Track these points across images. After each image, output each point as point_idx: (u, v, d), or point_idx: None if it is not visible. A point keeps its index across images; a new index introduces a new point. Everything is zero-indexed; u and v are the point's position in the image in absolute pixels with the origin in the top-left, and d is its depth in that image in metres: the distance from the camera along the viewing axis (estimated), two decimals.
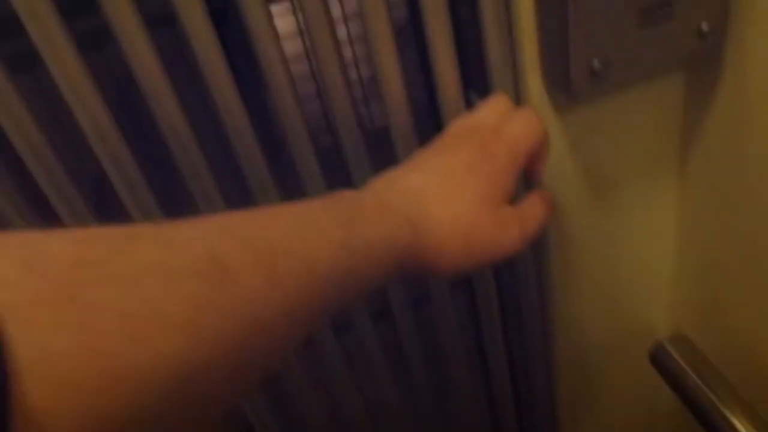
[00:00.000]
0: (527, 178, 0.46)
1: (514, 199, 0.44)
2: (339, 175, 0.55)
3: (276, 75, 0.50)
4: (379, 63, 0.50)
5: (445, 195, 0.40)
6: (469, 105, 0.56)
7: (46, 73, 0.45)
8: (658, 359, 0.65)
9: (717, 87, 0.53)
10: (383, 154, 0.56)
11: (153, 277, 0.26)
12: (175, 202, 0.55)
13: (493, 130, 0.44)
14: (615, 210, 0.62)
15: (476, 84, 0.55)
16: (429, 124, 0.58)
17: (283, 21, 0.57)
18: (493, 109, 0.47)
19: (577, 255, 0.64)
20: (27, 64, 0.46)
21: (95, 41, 0.49)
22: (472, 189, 0.41)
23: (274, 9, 0.54)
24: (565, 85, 0.49)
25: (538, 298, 0.67)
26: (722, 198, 0.58)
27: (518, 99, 0.54)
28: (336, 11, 0.56)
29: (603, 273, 0.67)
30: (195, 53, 0.46)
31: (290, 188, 0.55)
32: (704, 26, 0.48)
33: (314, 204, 0.36)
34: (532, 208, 0.45)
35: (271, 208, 0.34)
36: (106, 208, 0.52)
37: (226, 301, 0.27)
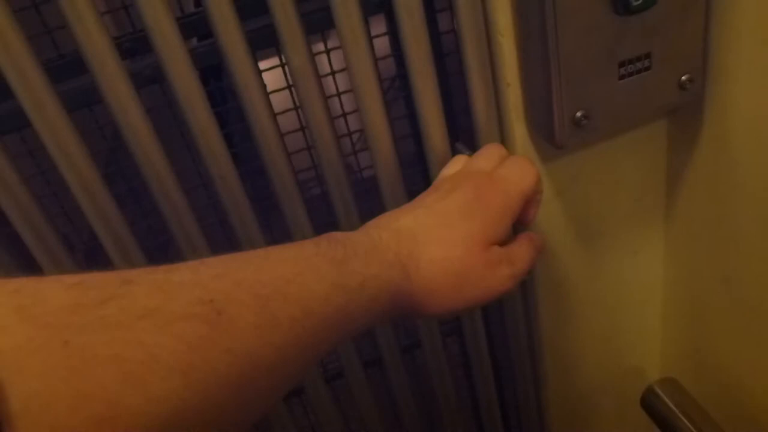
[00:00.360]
0: (519, 222, 0.46)
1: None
2: (327, 224, 0.55)
3: (264, 128, 0.50)
4: (366, 118, 0.51)
5: (437, 237, 0.41)
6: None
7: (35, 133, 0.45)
8: (648, 402, 0.65)
9: (699, 134, 0.54)
10: (371, 202, 0.56)
11: (147, 320, 0.26)
12: (162, 252, 0.55)
13: (488, 176, 0.45)
14: (603, 254, 0.63)
15: (463, 135, 0.56)
16: (417, 173, 0.59)
17: (273, 74, 0.57)
18: (488, 155, 0.48)
19: (566, 299, 0.64)
20: (16, 126, 0.47)
21: (85, 100, 0.50)
22: (464, 231, 0.41)
23: (263, 63, 0.55)
24: (549, 136, 0.50)
25: (527, 343, 0.67)
26: (707, 242, 0.59)
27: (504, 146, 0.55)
28: (324, 66, 0.57)
29: (592, 317, 0.67)
30: (183, 111, 0.47)
31: (278, 237, 0.55)
32: (684, 78, 0.49)
33: (307, 244, 0.37)
34: (521, 248, 0.45)
35: (264, 250, 0.35)
36: (94, 262, 0.52)
37: (222, 341, 0.28)
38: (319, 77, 0.50)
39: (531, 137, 0.53)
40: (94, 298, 0.25)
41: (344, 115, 0.65)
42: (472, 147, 0.55)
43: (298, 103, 0.52)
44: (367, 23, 0.56)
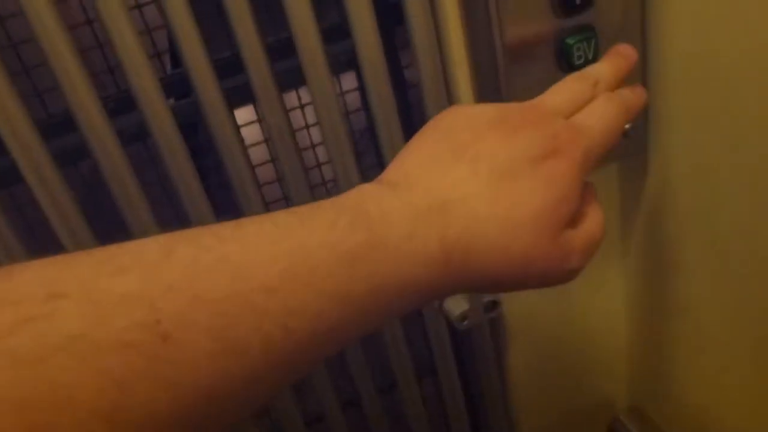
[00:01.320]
0: None
1: None
2: None
3: (242, 179, 0.54)
4: (338, 168, 0.55)
5: (501, 214, 0.31)
6: None
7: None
8: None
9: (646, 177, 0.59)
10: None
11: (66, 352, 0.21)
12: None
13: (569, 124, 0.35)
14: (567, 291, 0.67)
15: None
16: None
17: (251, 128, 0.61)
18: (570, 91, 0.38)
19: (534, 336, 0.68)
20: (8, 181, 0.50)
21: (73, 156, 0.53)
22: (536, 207, 0.31)
23: (242, 115, 0.59)
24: None
25: (499, 379, 0.70)
26: (662, 275, 0.63)
27: None
28: (299, 120, 0.61)
29: (561, 351, 0.70)
30: (168, 167, 0.50)
31: None
32: (627, 126, 0.53)
33: (320, 219, 0.28)
34: (593, 223, 0.35)
35: (256, 233, 0.27)
36: None
37: (163, 374, 0.23)
38: (293, 131, 0.54)
39: None
40: (5, 322, 0.21)
41: (319, 165, 0.69)
42: None
43: (274, 156, 0.56)
44: (338, 79, 0.61)
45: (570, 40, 0.47)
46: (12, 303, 0.22)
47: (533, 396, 0.71)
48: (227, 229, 0.27)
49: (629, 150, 0.56)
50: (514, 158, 0.31)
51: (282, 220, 0.28)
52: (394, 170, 0.32)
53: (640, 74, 0.52)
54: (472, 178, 0.31)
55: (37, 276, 0.23)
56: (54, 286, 0.22)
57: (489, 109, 0.34)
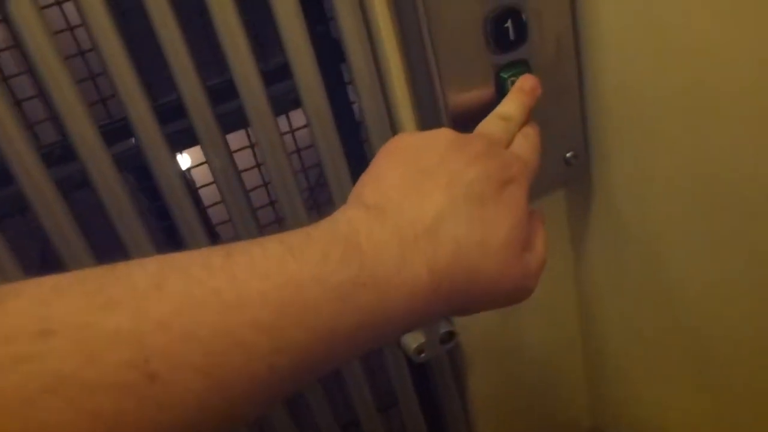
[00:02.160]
0: None
1: None
2: None
3: (190, 224, 0.53)
4: (286, 208, 0.55)
5: (479, 239, 0.32)
6: None
7: None
8: None
9: (591, 202, 0.60)
10: None
11: (56, 393, 0.21)
12: None
13: (511, 153, 0.38)
14: (523, 316, 0.67)
15: None
16: None
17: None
18: (494, 125, 0.40)
19: (493, 362, 0.68)
20: None
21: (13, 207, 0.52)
22: (506, 232, 0.33)
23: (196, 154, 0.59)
24: None
25: (461, 410, 0.70)
26: (615, 297, 0.64)
27: None
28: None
29: (521, 376, 0.71)
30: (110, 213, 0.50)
31: None
32: (569, 155, 0.55)
33: (311, 256, 0.28)
34: (542, 246, 0.38)
35: (247, 271, 0.26)
36: None
37: (150, 413, 0.23)
38: (238, 173, 0.54)
39: None
40: None
41: (272, 203, 0.69)
42: None
43: (222, 198, 0.56)
44: (287, 117, 0.61)
45: (504, 74, 0.49)
46: (5, 339, 0.22)
47: (496, 423, 0.71)
48: (217, 258, 0.26)
49: (573, 176, 0.57)
50: (483, 184, 0.33)
51: (273, 251, 0.27)
52: (373, 193, 0.33)
53: (578, 103, 0.54)
54: (450, 204, 0.32)
55: (30, 307, 0.23)
56: (45, 322, 0.22)
57: (444, 134, 0.36)
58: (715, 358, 0.54)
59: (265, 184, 0.67)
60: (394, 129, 0.55)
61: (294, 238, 0.29)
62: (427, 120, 0.52)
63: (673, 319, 0.56)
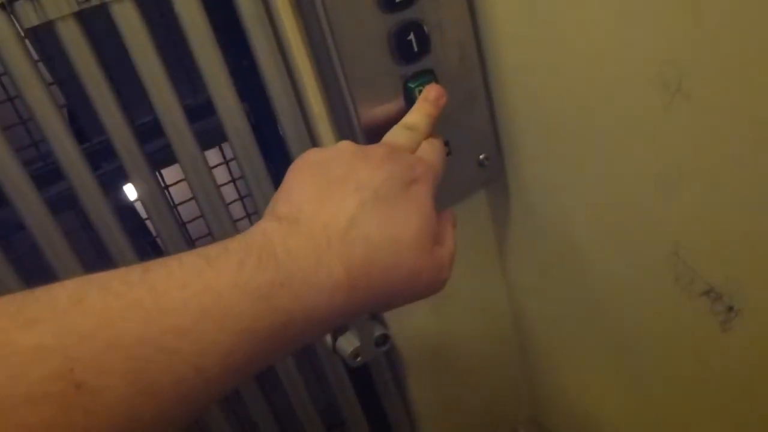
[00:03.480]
0: None
1: None
2: None
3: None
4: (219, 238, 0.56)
5: (391, 236, 0.34)
6: None
7: None
8: None
9: (509, 201, 0.63)
10: None
11: None
12: None
13: (416, 157, 0.41)
14: (455, 314, 0.70)
15: None
16: None
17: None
18: (400, 135, 0.44)
19: (429, 361, 0.70)
20: None
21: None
22: (416, 227, 0.36)
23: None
24: None
25: (404, 412, 0.72)
26: (539, 291, 0.67)
27: None
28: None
29: (457, 374, 0.73)
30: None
31: None
32: (482, 157, 0.58)
33: (227, 262, 0.29)
34: (451, 242, 0.41)
35: (165, 278, 0.27)
36: None
37: (78, 421, 0.23)
38: (169, 207, 0.56)
39: None
40: None
41: (211, 234, 0.70)
42: None
43: (156, 231, 0.57)
44: (220, 148, 0.63)
45: (411, 84, 0.51)
46: None
47: (438, 421, 0.73)
48: (135, 273, 0.27)
49: (488, 177, 0.60)
50: (389, 185, 0.36)
51: (189, 262, 0.29)
52: (285, 206, 0.35)
53: (487, 107, 0.57)
54: (361, 207, 0.34)
55: None
56: None
57: (347, 146, 0.39)
58: (628, 345, 0.57)
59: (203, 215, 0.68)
60: (314, 143, 0.57)
61: (211, 250, 0.30)
62: (344, 132, 0.54)
63: (588, 308, 0.59)
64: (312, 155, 0.39)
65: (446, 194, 0.58)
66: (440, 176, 0.42)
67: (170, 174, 0.64)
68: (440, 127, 0.54)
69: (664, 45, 0.39)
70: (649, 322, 0.53)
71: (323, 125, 0.56)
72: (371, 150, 0.38)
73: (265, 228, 0.33)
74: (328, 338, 0.65)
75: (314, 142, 0.57)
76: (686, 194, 0.43)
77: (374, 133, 0.52)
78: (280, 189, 0.37)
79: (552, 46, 0.48)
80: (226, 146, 0.71)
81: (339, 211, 0.34)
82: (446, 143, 0.55)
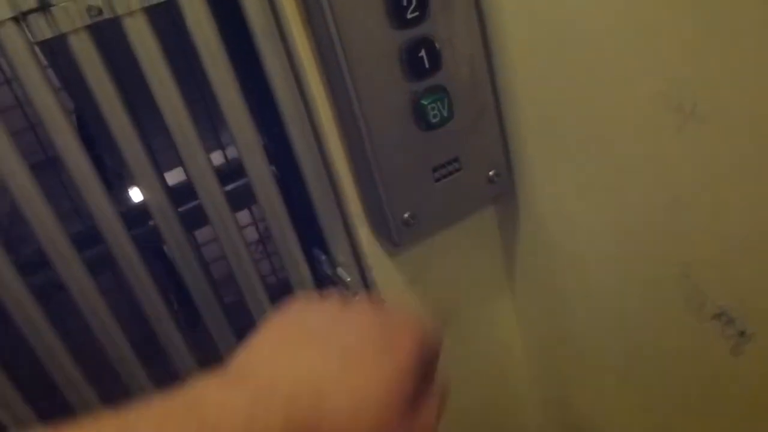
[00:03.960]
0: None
1: None
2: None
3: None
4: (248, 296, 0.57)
5: (347, 385, 0.32)
6: (315, 261, 0.62)
7: None
8: None
9: (518, 216, 0.63)
10: None
11: None
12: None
13: (399, 316, 0.38)
14: (463, 331, 0.69)
15: (319, 242, 0.62)
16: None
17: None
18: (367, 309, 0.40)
19: None
20: None
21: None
22: (382, 376, 0.33)
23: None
24: (388, 236, 0.56)
25: None
26: (545, 306, 0.67)
27: (353, 249, 0.61)
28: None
29: (467, 392, 0.73)
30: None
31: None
32: (491, 173, 0.57)
33: (151, 419, 0.29)
34: (430, 412, 0.37)
35: None
36: None
37: None
38: (205, 264, 0.57)
39: (376, 238, 0.60)
40: None
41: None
42: (327, 252, 0.61)
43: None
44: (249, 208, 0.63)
45: (425, 101, 0.51)
46: None
47: None
48: None
49: (498, 193, 0.59)
50: (362, 340, 0.34)
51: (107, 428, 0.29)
52: (239, 361, 0.34)
53: (497, 123, 0.56)
54: (320, 359, 0.33)
55: None
56: None
57: (334, 302, 0.37)
58: (638, 365, 0.57)
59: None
60: (325, 160, 0.57)
61: (131, 413, 0.30)
62: (355, 150, 0.54)
63: (597, 327, 0.59)
64: (293, 307, 0.37)
65: (455, 210, 0.58)
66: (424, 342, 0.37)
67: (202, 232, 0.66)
68: (451, 145, 0.55)
69: (679, 68, 0.39)
70: (659, 343, 0.52)
71: (333, 138, 0.55)
72: (358, 306, 0.37)
73: (204, 383, 0.32)
74: None
75: (324, 157, 0.57)
76: (697, 217, 0.43)
77: (384, 150, 0.52)
78: (244, 344, 0.36)
79: (564, 63, 0.48)
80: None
81: (293, 362, 0.33)
82: (456, 159, 0.55)
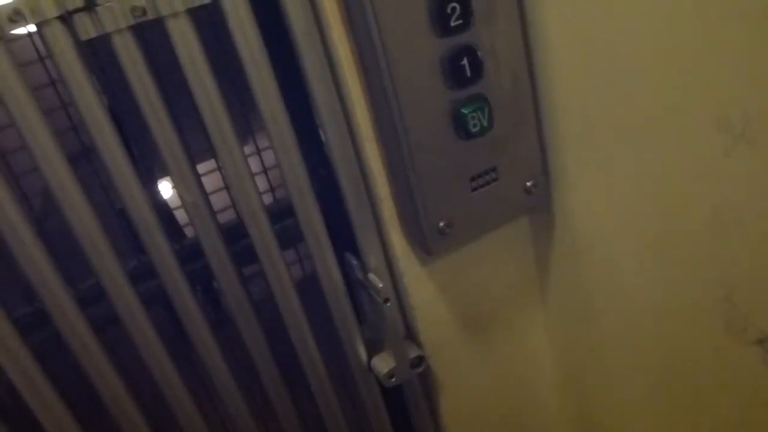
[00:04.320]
0: None
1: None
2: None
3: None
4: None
5: None
6: (348, 265, 0.62)
7: None
8: None
9: (553, 226, 0.62)
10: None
11: None
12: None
13: None
14: (492, 341, 0.69)
15: (352, 246, 0.62)
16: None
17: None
18: None
19: (464, 389, 0.69)
20: None
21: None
22: None
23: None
24: (422, 243, 0.56)
25: (432, 428, 0.71)
26: (575, 317, 0.66)
27: (386, 255, 0.61)
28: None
29: (492, 401, 0.72)
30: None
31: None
32: (529, 184, 0.57)
33: None
34: None
35: None
36: None
37: None
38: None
39: (409, 244, 0.59)
40: None
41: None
42: (358, 257, 0.61)
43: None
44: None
45: (465, 110, 0.50)
46: None
47: None
48: None
49: (534, 204, 0.59)
50: None
51: None
52: None
53: (536, 133, 0.56)
54: None
55: None
56: None
57: None
58: (675, 386, 0.56)
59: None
60: (361, 164, 0.57)
61: None
62: (392, 155, 0.54)
63: (633, 345, 0.58)
64: None
65: (490, 219, 0.57)
66: None
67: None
68: (489, 155, 0.54)
69: (730, 89, 0.38)
70: (695, 365, 0.51)
71: (370, 143, 0.55)
72: None
73: None
74: (363, 355, 0.64)
75: (361, 164, 0.57)
76: (742, 239, 0.42)
77: (422, 158, 0.51)
78: None
79: (607, 76, 0.47)
80: None
81: None
82: (494, 169, 0.54)
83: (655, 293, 0.53)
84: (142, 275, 0.58)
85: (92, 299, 0.56)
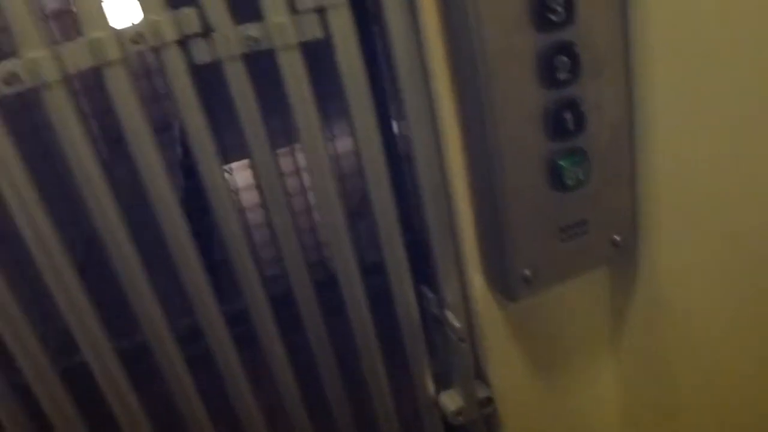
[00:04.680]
0: None
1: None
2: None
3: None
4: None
5: None
6: (423, 298, 0.63)
7: None
8: None
9: (634, 280, 0.61)
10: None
11: None
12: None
13: None
14: (562, 388, 0.68)
15: (429, 280, 0.62)
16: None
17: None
18: None
19: (525, 427, 0.69)
20: None
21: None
22: None
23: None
24: (503, 288, 0.56)
25: None
26: (652, 375, 0.64)
27: (464, 294, 0.61)
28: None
29: None
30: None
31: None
32: (617, 237, 0.56)
33: None
34: None
35: None
36: None
37: None
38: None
39: (489, 286, 0.59)
40: None
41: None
42: (436, 291, 0.61)
43: None
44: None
45: (563, 162, 0.50)
46: None
47: None
48: None
49: (619, 258, 0.58)
50: None
51: None
52: None
53: (630, 189, 0.55)
54: None
55: None
56: None
57: None
58: None
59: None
60: (449, 201, 0.57)
61: None
62: (484, 211, 0.54)
63: (704, 394, 0.57)
64: None
65: (573, 268, 0.57)
66: None
67: None
68: (581, 208, 0.54)
69: None
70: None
71: (461, 181, 0.55)
72: None
73: None
74: (432, 389, 0.65)
75: (448, 200, 0.57)
76: None
77: (515, 205, 0.52)
78: None
79: (713, 140, 0.46)
80: None
81: None
82: (585, 222, 0.54)
83: (733, 358, 0.52)
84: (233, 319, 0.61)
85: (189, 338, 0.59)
